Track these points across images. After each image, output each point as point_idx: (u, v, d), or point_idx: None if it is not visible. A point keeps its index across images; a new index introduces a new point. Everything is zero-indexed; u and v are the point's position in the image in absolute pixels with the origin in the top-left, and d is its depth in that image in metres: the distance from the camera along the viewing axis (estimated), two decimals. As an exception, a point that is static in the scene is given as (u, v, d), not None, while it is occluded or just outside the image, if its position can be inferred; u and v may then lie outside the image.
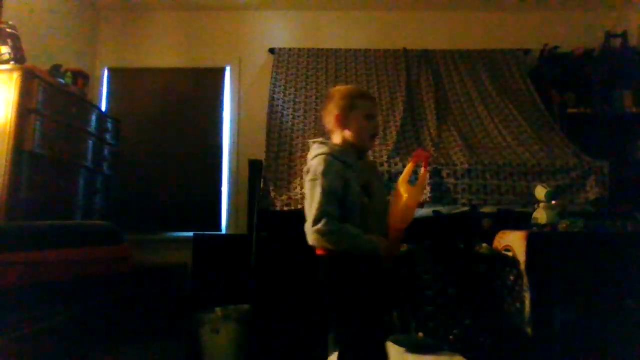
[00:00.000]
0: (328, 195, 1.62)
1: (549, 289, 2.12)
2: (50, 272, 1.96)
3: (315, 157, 1.73)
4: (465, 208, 2.89)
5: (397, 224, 1.78)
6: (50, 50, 3.26)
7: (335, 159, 1.68)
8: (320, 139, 1.84)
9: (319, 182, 1.65)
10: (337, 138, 1.81)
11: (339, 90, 1.87)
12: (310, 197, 1.68)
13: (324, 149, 1.73)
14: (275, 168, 3.28)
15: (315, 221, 1.62)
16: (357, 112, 1.77)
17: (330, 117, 1.81)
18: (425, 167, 1.88)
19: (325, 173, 1.65)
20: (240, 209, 3.75)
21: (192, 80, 4.08)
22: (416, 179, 1.88)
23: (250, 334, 2.97)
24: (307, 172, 1.75)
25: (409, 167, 1.85)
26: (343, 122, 1.77)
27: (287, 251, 3.07)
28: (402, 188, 1.79)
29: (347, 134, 1.77)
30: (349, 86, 1.99)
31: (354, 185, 1.67)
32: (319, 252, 1.74)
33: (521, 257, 2.13)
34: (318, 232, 1.61)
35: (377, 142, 3.37)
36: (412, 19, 4.16)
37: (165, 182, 3.88)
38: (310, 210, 1.66)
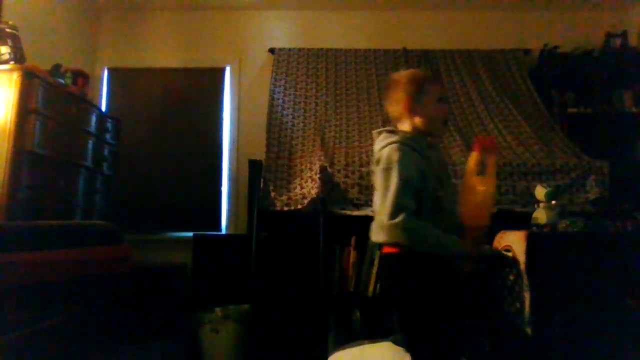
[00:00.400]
0: (405, 186, 1.49)
1: (549, 289, 2.12)
2: (50, 272, 1.96)
3: (385, 146, 1.60)
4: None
5: (477, 222, 1.62)
6: (50, 50, 3.25)
7: (409, 148, 1.57)
8: (388, 128, 1.73)
9: (394, 172, 1.51)
10: (405, 126, 1.69)
11: (404, 75, 1.74)
12: (384, 187, 1.53)
13: (395, 137, 1.62)
14: (275, 168, 3.28)
15: (392, 215, 1.46)
16: (429, 97, 1.66)
17: (396, 104, 1.70)
18: (493, 153, 1.73)
19: (401, 161, 1.52)
20: (240, 209, 3.75)
21: (192, 80, 4.08)
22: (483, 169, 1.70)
23: (250, 333, 2.97)
24: (378, 162, 1.62)
25: (474, 156, 1.68)
26: (413, 109, 1.66)
27: (287, 251, 3.08)
28: (475, 181, 1.63)
29: (418, 120, 1.66)
30: (415, 70, 1.81)
31: (430, 176, 1.56)
32: (388, 249, 1.61)
33: (521, 257, 2.13)
34: (396, 227, 1.45)
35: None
36: (412, 19, 4.16)
37: (165, 182, 3.88)
38: (384, 202, 1.50)
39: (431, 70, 3.87)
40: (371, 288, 2.91)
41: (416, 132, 1.66)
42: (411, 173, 1.51)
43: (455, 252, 1.57)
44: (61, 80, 2.83)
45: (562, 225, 2.42)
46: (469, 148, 3.25)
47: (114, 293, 2.35)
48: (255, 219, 3.11)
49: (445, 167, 1.80)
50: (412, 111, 1.66)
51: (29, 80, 2.38)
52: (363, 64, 3.97)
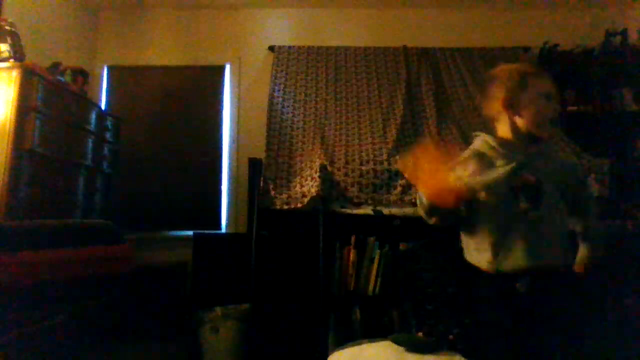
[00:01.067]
0: None
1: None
2: (50, 272, 1.96)
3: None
4: (466, 207, 2.88)
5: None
6: (50, 48, 3.25)
7: (477, 154, 1.48)
8: (479, 133, 1.62)
9: None
10: (503, 126, 1.55)
11: (504, 69, 1.59)
12: None
13: (476, 142, 1.56)
14: (275, 166, 3.28)
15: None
16: (531, 92, 1.49)
17: (493, 101, 1.56)
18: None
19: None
20: (240, 207, 3.75)
21: (192, 78, 4.07)
22: None
23: (250, 333, 2.97)
24: None
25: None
26: (513, 107, 1.51)
27: (287, 250, 3.08)
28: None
29: (519, 120, 1.51)
30: (516, 64, 1.65)
31: (500, 188, 1.42)
32: None
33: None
34: None
35: (377, 140, 3.37)
36: (412, 17, 4.15)
37: (165, 180, 3.87)
38: None
39: (430, 69, 3.86)
40: (371, 287, 2.92)
41: (515, 133, 1.51)
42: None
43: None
44: (61, 78, 2.82)
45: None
46: (469, 146, 3.24)
47: (114, 293, 2.35)
48: (255, 218, 3.11)
49: (557, 170, 1.54)
50: (511, 109, 1.51)
51: (29, 78, 2.38)
52: (363, 62, 3.96)
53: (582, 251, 1.58)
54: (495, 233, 1.43)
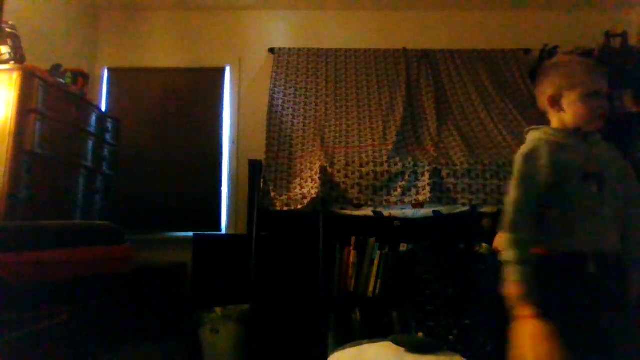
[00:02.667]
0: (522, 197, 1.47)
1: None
2: (50, 272, 1.96)
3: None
4: (465, 208, 2.89)
5: None
6: (50, 50, 3.25)
7: (547, 143, 1.50)
8: (537, 127, 1.61)
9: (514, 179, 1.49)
10: (554, 122, 1.58)
11: (555, 64, 1.60)
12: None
13: (535, 134, 1.56)
14: (275, 168, 3.28)
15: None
16: (577, 92, 1.49)
17: (542, 96, 1.58)
18: None
19: (524, 162, 1.49)
20: (240, 209, 3.75)
21: (192, 80, 4.08)
22: None
23: (250, 333, 2.97)
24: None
25: None
26: (559, 104, 1.53)
27: (287, 251, 3.08)
28: None
29: (566, 117, 1.53)
30: (570, 57, 1.66)
31: (573, 171, 1.46)
32: None
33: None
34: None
35: (377, 142, 3.38)
36: (412, 19, 4.16)
37: (165, 182, 3.88)
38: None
39: (430, 71, 3.86)
40: (371, 288, 2.92)
41: (565, 129, 1.53)
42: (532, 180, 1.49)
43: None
44: (61, 80, 2.83)
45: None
46: (469, 148, 3.25)
47: (114, 293, 2.35)
48: (255, 219, 3.11)
49: (613, 161, 1.55)
50: (557, 107, 1.54)
51: (29, 80, 2.38)
52: (363, 64, 3.97)
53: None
54: (570, 215, 1.47)
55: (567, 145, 1.51)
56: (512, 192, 1.49)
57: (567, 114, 1.52)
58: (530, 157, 1.51)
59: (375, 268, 2.93)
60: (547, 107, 1.58)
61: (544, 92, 1.57)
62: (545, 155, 1.49)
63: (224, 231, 3.83)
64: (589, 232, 1.45)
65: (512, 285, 1.41)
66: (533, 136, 1.58)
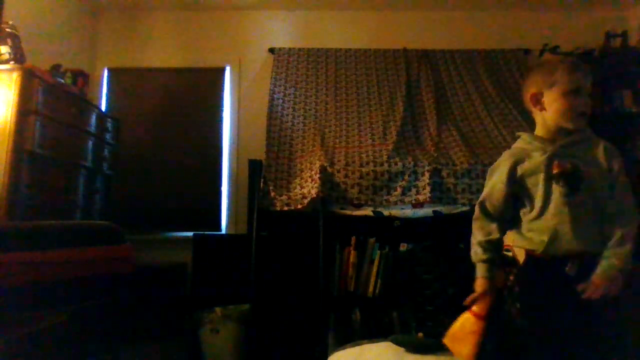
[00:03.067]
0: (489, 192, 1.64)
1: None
2: (50, 272, 1.96)
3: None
4: (465, 208, 2.89)
5: None
6: (50, 50, 3.25)
7: (513, 155, 1.60)
8: (520, 133, 1.69)
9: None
10: (537, 120, 1.64)
11: (538, 64, 1.69)
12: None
13: (516, 142, 1.67)
14: (275, 168, 3.28)
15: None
16: (555, 90, 1.53)
17: (526, 95, 1.62)
18: None
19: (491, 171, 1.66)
20: (240, 209, 3.75)
21: (192, 80, 4.08)
22: None
23: (250, 333, 2.97)
24: None
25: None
26: (540, 103, 1.57)
27: (287, 251, 3.08)
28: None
29: (547, 116, 1.56)
30: (552, 57, 1.75)
31: (537, 176, 1.52)
32: None
33: (521, 257, 2.13)
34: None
35: (377, 141, 3.38)
36: (412, 19, 4.15)
37: (165, 182, 3.88)
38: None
39: (430, 71, 3.87)
40: (371, 288, 2.92)
41: (545, 129, 1.59)
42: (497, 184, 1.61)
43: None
44: (61, 80, 2.83)
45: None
46: (469, 148, 3.25)
47: (114, 293, 2.35)
48: (255, 219, 3.11)
49: (594, 157, 1.55)
50: (539, 105, 1.58)
51: (29, 80, 2.38)
52: (363, 64, 3.97)
53: (609, 258, 1.46)
54: (542, 218, 1.51)
55: (532, 152, 1.56)
56: (481, 197, 1.67)
57: (548, 112, 1.56)
58: (493, 170, 1.66)
59: (375, 268, 2.93)
60: (530, 107, 1.63)
61: (527, 91, 1.61)
62: (504, 167, 1.59)
63: (224, 231, 3.83)
64: (564, 234, 1.46)
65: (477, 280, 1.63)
66: (515, 144, 1.68)
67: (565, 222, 1.46)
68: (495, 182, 1.62)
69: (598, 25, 3.94)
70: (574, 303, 1.45)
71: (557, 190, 1.48)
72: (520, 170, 1.56)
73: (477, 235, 1.65)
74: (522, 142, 1.65)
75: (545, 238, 1.48)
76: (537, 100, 1.58)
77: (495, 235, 1.63)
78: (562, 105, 1.52)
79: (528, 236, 1.56)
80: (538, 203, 1.51)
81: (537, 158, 1.54)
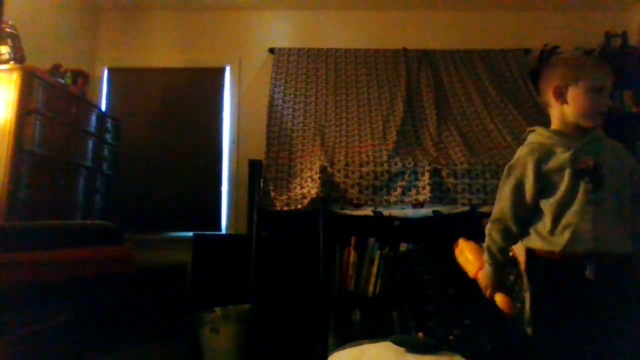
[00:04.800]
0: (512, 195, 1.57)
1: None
2: (50, 272, 1.96)
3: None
4: (465, 208, 2.89)
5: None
6: (50, 50, 3.25)
7: (535, 151, 1.53)
8: (534, 128, 1.64)
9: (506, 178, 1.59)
10: (554, 113, 1.60)
11: (563, 58, 1.64)
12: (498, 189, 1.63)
13: (531, 137, 1.61)
14: (275, 168, 3.28)
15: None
16: (581, 85, 1.50)
17: (547, 87, 1.58)
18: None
19: (512, 168, 1.58)
20: (240, 209, 3.75)
21: (192, 80, 4.08)
22: None
23: (250, 333, 2.97)
24: None
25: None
26: (562, 97, 1.54)
27: (287, 251, 3.07)
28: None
29: (567, 110, 1.54)
30: (576, 53, 1.73)
31: (562, 172, 1.48)
32: None
33: (521, 257, 2.13)
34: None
35: (377, 141, 3.38)
36: (412, 19, 4.16)
37: (165, 182, 3.88)
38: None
39: (430, 71, 3.87)
40: (371, 288, 2.92)
41: (562, 124, 1.56)
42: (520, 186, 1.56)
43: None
44: (61, 80, 2.84)
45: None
46: (469, 148, 3.25)
47: (114, 293, 2.35)
48: (255, 219, 3.11)
49: (614, 155, 1.55)
50: (561, 98, 1.54)
51: (29, 80, 2.39)
52: (363, 64, 3.97)
53: None
54: (565, 216, 1.47)
55: (555, 147, 1.52)
56: (498, 198, 1.62)
57: (569, 106, 1.53)
58: (512, 168, 1.59)
59: (375, 268, 2.93)
60: (550, 99, 1.59)
61: (549, 83, 1.57)
62: (530, 165, 1.53)
63: (224, 231, 3.83)
64: (586, 233, 1.44)
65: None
66: (529, 139, 1.62)
67: (587, 220, 1.43)
68: (520, 182, 1.56)
69: (598, 25, 3.95)
70: (593, 309, 1.43)
71: (582, 187, 1.46)
72: (544, 167, 1.51)
73: (498, 241, 1.62)
74: (540, 136, 1.59)
75: (567, 236, 1.45)
76: (560, 93, 1.54)
77: (516, 239, 1.62)
78: (585, 102, 1.50)
79: (546, 235, 1.51)
80: (562, 200, 1.47)
81: (562, 154, 1.50)
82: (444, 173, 2.96)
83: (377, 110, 3.67)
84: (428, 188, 2.90)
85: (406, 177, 2.97)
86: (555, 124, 1.61)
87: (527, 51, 4.01)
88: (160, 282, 3.11)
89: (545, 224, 1.52)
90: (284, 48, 4.01)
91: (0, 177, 2.23)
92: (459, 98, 3.75)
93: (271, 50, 4.02)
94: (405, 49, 4.00)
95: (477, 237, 2.72)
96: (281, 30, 4.12)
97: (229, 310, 3.00)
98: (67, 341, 2.00)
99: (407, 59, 3.95)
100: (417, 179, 2.96)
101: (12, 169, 2.26)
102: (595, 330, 1.43)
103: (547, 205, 1.51)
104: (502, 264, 1.66)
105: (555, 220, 1.48)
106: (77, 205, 2.82)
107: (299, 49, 4.01)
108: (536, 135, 1.61)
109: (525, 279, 2.06)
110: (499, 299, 1.66)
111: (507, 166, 1.61)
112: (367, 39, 4.09)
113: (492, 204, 1.67)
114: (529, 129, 1.67)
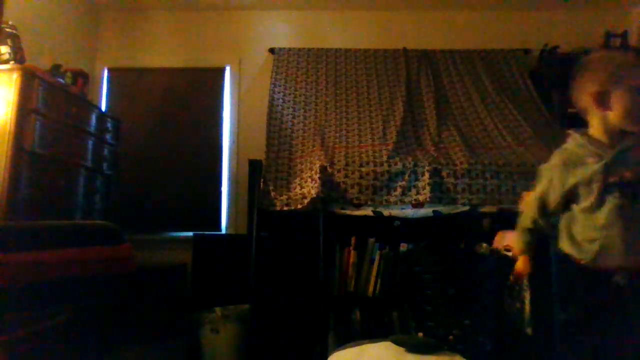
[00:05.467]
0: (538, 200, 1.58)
1: (549, 289, 2.12)
2: (50, 272, 1.96)
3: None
4: (465, 208, 2.89)
5: None
6: (50, 50, 3.25)
7: (565, 160, 1.49)
8: (570, 132, 1.54)
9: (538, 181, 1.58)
10: (594, 120, 1.46)
11: (599, 57, 1.49)
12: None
13: (567, 142, 1.53)
14: (275, 168, 3.28)
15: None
16: (625, 87, 1.37)
17: (583, 93, 1.45)
18: None
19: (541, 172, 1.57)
20: (240, 209, 3.75)
21: (192, 80, 4.08)
22: None
23: (250, 334, 2.97)
24: None
25: None
26: (604, 102, 1.40)
27: (287, 251, 3.07)
28: None
29: (611, 116, 1.40)
30: (613, 52, 1.58)
31: (593, 186, 1.40)
32: None
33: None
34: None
35: (377, 141, 3.38)
36: (412, 19, 4.16)
37: (165, 182, 3.88)
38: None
39: (430, 71, 3.87)
40: (371, 288, 2.92)
41: (606, 130, 1.43)
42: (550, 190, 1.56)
43: None
44: (61, 80, 2.83)
45: (563, 224, 2.41)
46: (469, 148, 3.25)
47: (114, 293, 2.34)
48: (255, 219, 3.11)
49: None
50: (602, 104, 1.41)
51: (29, 80, 2.38)
52: (363, 64, 3.97)
53: None
54: (593, 227, 1.41)
55: (584, 157, 1.44)
56: (533, 194, 1.63)
57: (614, 111, 1.40)
58: (543, 172, 1.58)
59: (375, 268, 2.93)
60: (590, 106, 1.46)
61: (586, 90, 1.45)
62: (557, 175, 1.51)
63: (224, 231, 3.83)
64: (614, 248, 1.37)
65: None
66: (565, 144, 1.56)
67: (618, 235, 1.36)
68: (545, 191, 1.56)
69: (598, 25, 3.94)
70: (623, 316, 1.40)
71: (612, 200, 1.37)
72: (573, 178, 1.45)
73: (530, 214, 1.66)
74: (574, 144, 1.51)
75: (595, 248, 1.39)
76: (602, 99, 1.41)
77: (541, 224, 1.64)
78: (630, 103, 1.37)
79: (576, 241, 1.46)
80: (590, 212, 1.41)
81: (592, 166, 1.41)
82: (444, 173, 2.96)
83: (377, 110, 3.67)
84: (428, 188, 2.90)
85: (406, 177, 2.97)
86: (594, 131, 1.49)
87: (527, 51, 4.01)
88: (160, 282, 3.11)
89: (576, 228, 1.47)
90: (284, 48, 4.01)
91: (0, 177, 2.23)
92: (459, 98, 3.75)
93: (271, 50, 4.02)
94: (405, 49, 4.00)
95: (477, 237, 2.74)
96: (281, 30, 4.13)
97: (229, 310, 3.00)
98: (67, 341, 2.00)
99: (407, 59, 3.95)
100: (417, 179, 2.96)
101: (12, 169, 2.26)
102: (623, 335, 1.40)
103: (578, 212, 1.46)
104: (531, 231, 1.69)
105: (584, 229, 1.44)
106: (77, 205, 2.82)
107: (299, 49, 4.01)
108: (571, 142, 1.53)
109: (525, 279, 2.06)
110: (519, 262, 1.82)
111: (538, 168, 1.61)
112: (367, 39, 4.09)
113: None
114: (567, 131, 1.58)
